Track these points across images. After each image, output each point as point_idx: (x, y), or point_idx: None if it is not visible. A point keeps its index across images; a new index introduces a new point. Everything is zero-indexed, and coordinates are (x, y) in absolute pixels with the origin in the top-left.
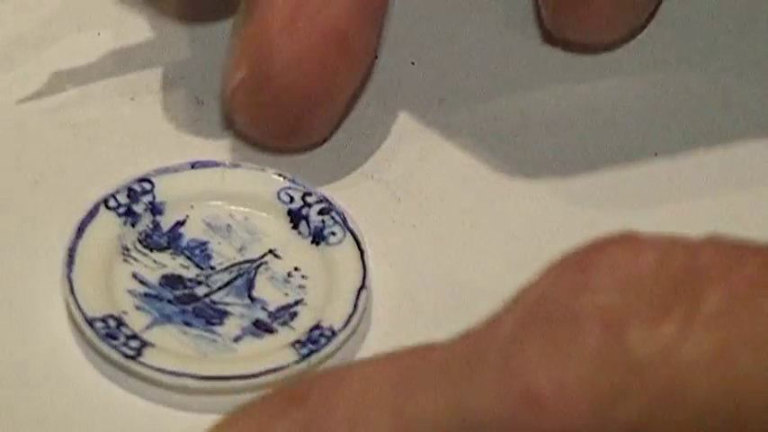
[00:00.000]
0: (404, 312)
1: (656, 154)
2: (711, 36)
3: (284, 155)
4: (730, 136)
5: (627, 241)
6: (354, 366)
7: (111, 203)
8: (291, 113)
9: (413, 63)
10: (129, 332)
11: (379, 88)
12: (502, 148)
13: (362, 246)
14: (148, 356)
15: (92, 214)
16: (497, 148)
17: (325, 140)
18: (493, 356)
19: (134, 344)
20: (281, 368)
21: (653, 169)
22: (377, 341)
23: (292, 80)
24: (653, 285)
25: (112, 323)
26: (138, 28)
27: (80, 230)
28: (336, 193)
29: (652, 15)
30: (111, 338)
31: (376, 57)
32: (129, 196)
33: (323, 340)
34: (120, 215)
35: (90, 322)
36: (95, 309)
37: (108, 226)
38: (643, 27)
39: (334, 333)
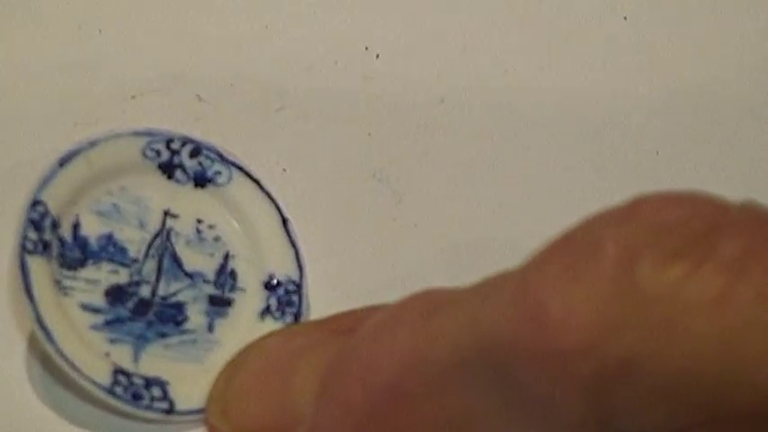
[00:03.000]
0: None
1: (657, 152)
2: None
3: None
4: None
5: (665, 195)
6: (381, 305)
7: (29, 247)
8: None
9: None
10: (140, 381)
11: (380, 87)
12: (503, 147)
13: (255, 176)
14: (178, 400)
15: (24, 272)
16: (499, 147)
17: None
18: (513, 277)
19: (156, 392)
20: None
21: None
22: None
23: None
24: (677, 232)
25: (122, 378)
26: (136, 26)
27: (30, 295)
28: (337, 192)
29: None
30: (139, 399)
31: None
32: (36, 229)
33: (294, 298)
34: (41, 254)
35: (110, 390)
36: (97, 371)
37: (42, 275)
38: None
39: (298, 286)
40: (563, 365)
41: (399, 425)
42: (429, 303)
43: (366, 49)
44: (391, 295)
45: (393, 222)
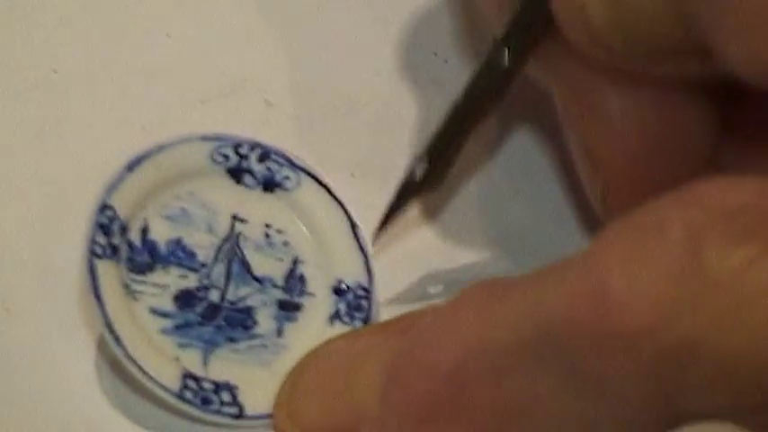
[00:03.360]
0: None
1: None
2: None
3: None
4: None
5: (730, 179)
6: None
7: (98, 251)
8: None
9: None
10: (210, 386)
11: (449, 92)
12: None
13: (323, 181)
14: (247, 405)
15: (93, 276)
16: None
17: None
18: (576, 260)
19: (226, 397)
20: None
21: None
22: None
23: None
24: (743, 214)
25: (191, 383)
26: (204, 31)
27: (99, 299)
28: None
29: None
30: (208, 403)
31: None
32: (105, 233)
33: (363, 302)
34: (110, 258)
35: (179, 395)
36: (166, 375)
37: (111, 278)
38: None
39: (367, 291)
40: (625, 347)
41: (463, 410)
42: (490, 290)
43: (435, 54)
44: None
45: (462, 227)
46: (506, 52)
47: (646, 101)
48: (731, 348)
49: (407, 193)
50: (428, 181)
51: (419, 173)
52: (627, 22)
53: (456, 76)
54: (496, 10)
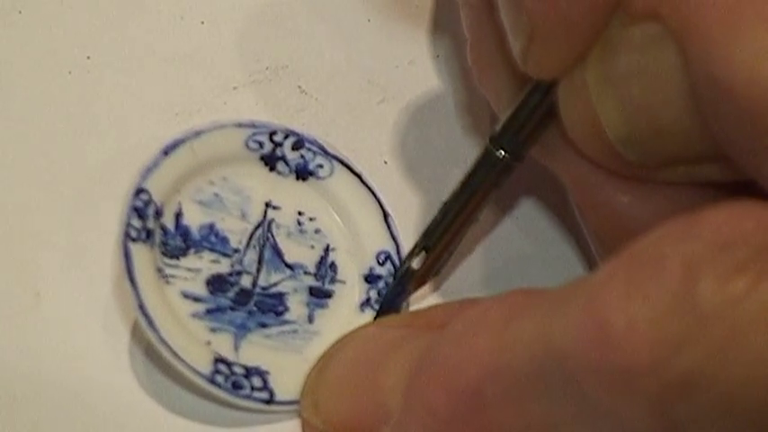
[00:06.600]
0: None
1: None
2: None
3: None
4: None
5: (730, 207)
6: (473, 300)
7: (133, 234)
8: None
9: None
10: (241, 370)
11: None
12: None
13: (356, 170)
14: (278, 390)
15: (128, 259)
16: None
17: None
18: (583, 291)
19: (257, 382)
20: None
21: None
22: None
23: None
24: (740, 245)
25: (223, 368)
26: (238, 17)
27: (133, 282)
28: (439, 184)
29: None
30: (239, 388)
31: None
32: (140, 217)
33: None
34: (144, 241)
35: (211, 379)
36: (198, 359)
37: (144, 262)
38: None
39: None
40: (627, 382)
41: (480, 429)
42: (510, 308)
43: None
44: (489, 290)
45: (493, 216)
46: (501, 151)
47: (655, 194)
48: (730, 380)
49: (405, 282)
50: (426, 271)
51: (417, 263)
52: (645, 135)
53: None
54: (494, 96)
